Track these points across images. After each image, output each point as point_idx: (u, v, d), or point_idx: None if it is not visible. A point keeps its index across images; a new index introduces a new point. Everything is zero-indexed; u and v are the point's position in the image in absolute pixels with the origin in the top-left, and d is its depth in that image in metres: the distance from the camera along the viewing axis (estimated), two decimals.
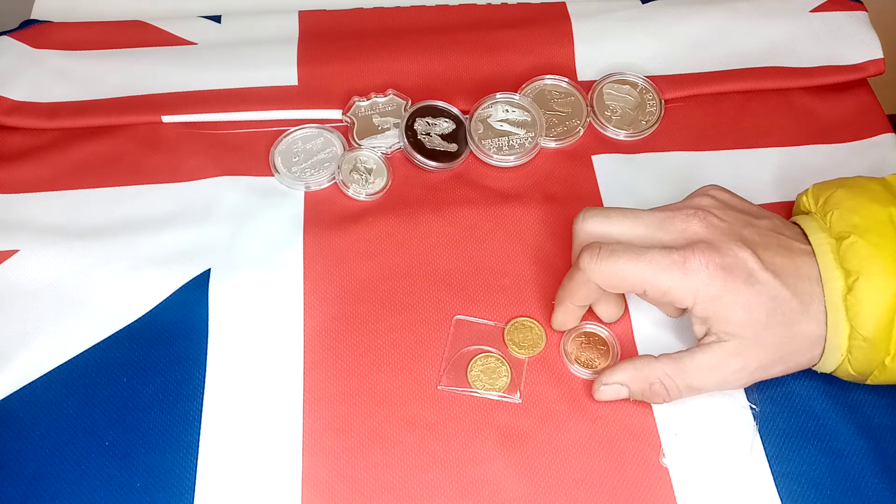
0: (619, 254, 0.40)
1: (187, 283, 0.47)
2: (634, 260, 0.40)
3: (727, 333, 0.40)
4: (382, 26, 0.58)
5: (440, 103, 0.54)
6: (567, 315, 0.45)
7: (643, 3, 0.59)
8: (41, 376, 0.44)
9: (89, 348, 0.45)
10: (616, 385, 0.42)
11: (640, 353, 0.45)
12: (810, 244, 0.42)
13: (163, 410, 0.43)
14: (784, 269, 0.40)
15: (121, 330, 0.46)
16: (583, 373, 0.44)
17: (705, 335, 0.41)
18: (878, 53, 0.56)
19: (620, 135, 0.54)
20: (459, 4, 0.59)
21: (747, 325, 0.40)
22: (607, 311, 0.45)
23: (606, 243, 0.41)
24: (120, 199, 0.51)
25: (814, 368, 0.42)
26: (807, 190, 0.45)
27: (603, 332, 0.45)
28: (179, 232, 0.49)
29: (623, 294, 0.46)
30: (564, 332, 0.45)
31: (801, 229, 0.43)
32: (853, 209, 0.41)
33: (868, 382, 0.42)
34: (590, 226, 0.42)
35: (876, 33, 0.57)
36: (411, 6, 0.59)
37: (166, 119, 0.53)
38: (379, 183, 0.51)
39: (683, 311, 0.43)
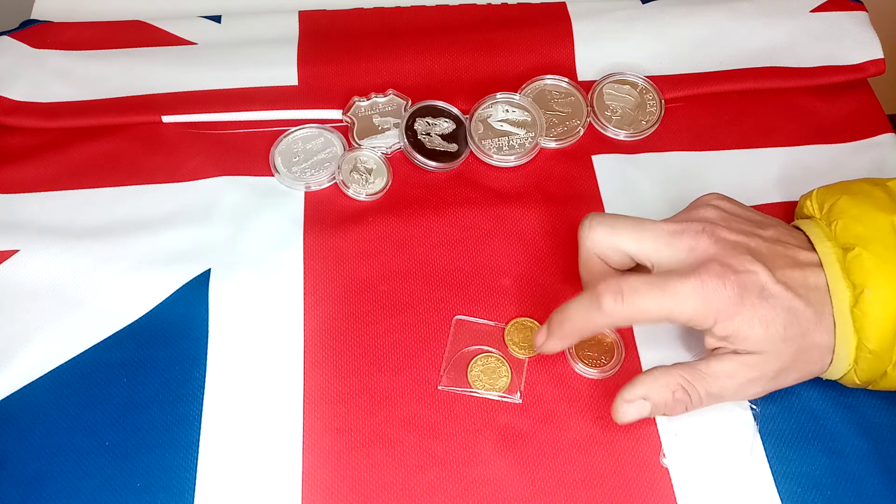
0: (642, 293, 0.39)
1: (187, 283, 0.47)
2: (659, 297, 0.39)
3: (746, 351, 0.40)
4: (382, 26, 0.58)
5: (440, 103, 0.54)
6: (564, 345, 0.43)
7: (643, 3, 0.59)
8: (41, 376, 0.44)
9: (89, 348, 0.45)
10: (639, 401, 0.41)
11: (640, 354, 0.45)
12: (816, 252, 0.41)
13: (163, 410, 0.43)
14: (794, 281, 0.40)
15: (121, 330, 0.46)
16: (588, 372, 0.44)
17: (717, 348, 0.41)
18: (878, 53, 0.56)
19: (620, 135, 0.54)
20: (459, 4, 0.59)
21: (766, 340, 0.39)
22: None
23: (627, 283, 0.40)
24: (120, 199, 0.51)
25: (820, 376, 0.42)
26: (810, 194, 0.44)
27: (608, 332, 0.45)
28: (179, 232, 0.49)
29: None
30: None
31: (805, 235, 0.43)
32: (857, 218, 0.41)
33: (870, 388, 0.42)
34: (597, 234, 0.42)
35: (876, 33, 0.57)
36: (411, 6, 0.59)
37: (166, 119, 0.53)
38: (379, 183, 0.51)
39: None
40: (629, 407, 0.41)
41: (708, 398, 0.41)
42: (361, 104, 0.54)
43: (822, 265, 0.41)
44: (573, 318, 0.41)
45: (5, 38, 0.56)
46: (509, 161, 0.52)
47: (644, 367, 0.44)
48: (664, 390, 0.40)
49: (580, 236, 0.43)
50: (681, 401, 0.40)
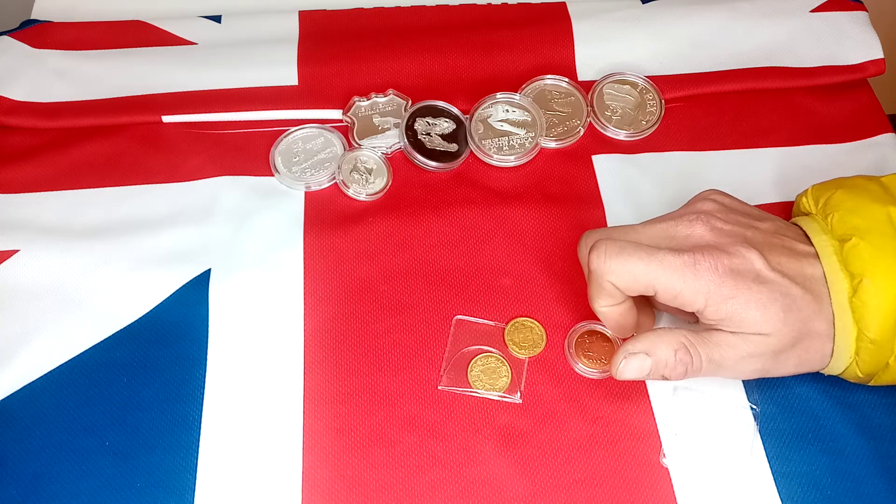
0: (629, 252, 0.40)
1: (187, 283, 0.47)
2: (646, 260, 0.40)
3: (745, 332, 0.40)
4: (382, 26, 0.58)
5: (440, 103, 0.54)
6: (615, 318, 0.42)
7: (643, 3, 0.59)
8: (41, 376, 0.44)
9: (89, 348, 0.45)
10: (641, 355, 0.40)
11: None
12: (812, 246, 0.42)
13: (163, 410, 0.43)
14: (790, 269, 0.40)
15: (121, 330, 0.46)
16: (588, 371, 0.44)
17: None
18: (878, 53, 0.56)
19: (620, 135, 0.54)
20: (459, 4, 0.59)
21: (763, 321, 0.39)
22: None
23: (614, 240, 0.40)
24: (120, 199, 0.51)
25: (822, 371, 0.42)
26: (806, 191, 0.45)
27: (608, 331, 0.45)
28: (179, 232, 0.49)
29: (651, 309, 0.45)
30: (570, 330, 0.46)
31: (803, 230, 0.43)
32: (853, 210, 0.41)
33: (872, 384, 0.42)
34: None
35: (876, 33, 0.57)
36: (411, 6, 0.59)
37: (166, 119, 0.53)
38: (379, 183, 0.51)
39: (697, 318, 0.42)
40: (630, 360, 0.40)
41: (708, 364, 0.40)
42: (361, 104, 0.54)
43: (818, 257, 0.41)
44: (581, 257, 0.43)
45: (5, 38, 0.56)
46: (509, 161, 0.52)
47: None
48: (667, 347, 0.40)
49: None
50: (682, 361, 0.40)
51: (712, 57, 0.56)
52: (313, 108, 0.54)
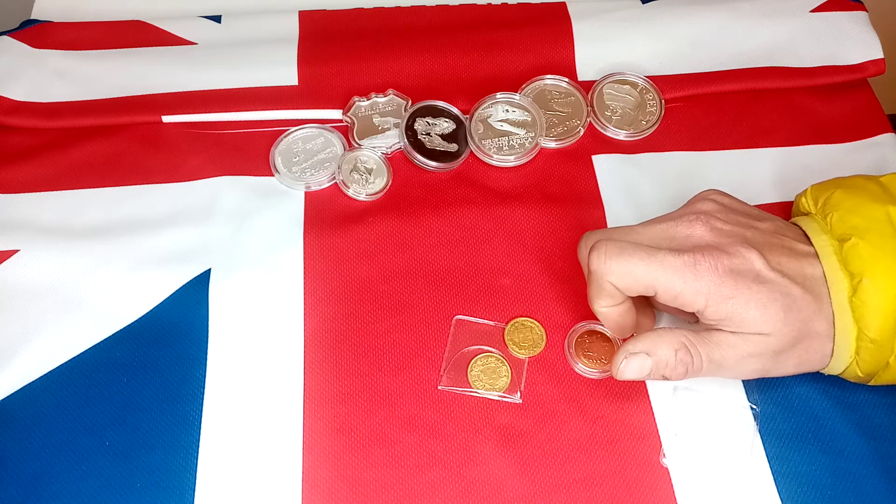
0: (629, 252, 0.40)
1: (187, 283, 0.47)
2: (646, 260, 0.40)
3: (746, 332, 0.40)
4: (382, 26, 0.58)
5: (440, 103, 0.54)
6: (614, 319, 0.42)
7: (643, 3, 0.59)
8: (41, 376, 0.44)
9: (89, 348, 0.45)
10: (641, 355, 0.40)
11: None
12: (812, 245, 0.42)
13: (163, 410, 0.43)
14: (790, 269, 0.40)
15: (121, 330, 0.46)
16: (588, 371, 0.44)
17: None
18: (878, 53, 0.56)
19: (620, 135, 0.54)
20: (459, 4, 0.59)
21: (763, 321, 0.39)
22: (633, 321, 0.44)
23: (614, 241, 0.41)
24: (120, 199, 0.51)
25: (822, 371, 0.42)
26: (805, 191, 0.45)
27: (608, 331, 0.45)
28: (179, 232, 0.49)
29: (651, 309, 0.46)
30: (569, 331, 0.46)
31: (803, 230, 0.43)
32: (852, 209, 0.41)
33: (872, 383, 0.42)
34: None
35: (876, 33, 0.57)
36: (411, 6, 0.59)
37: (166, 119, 0.53)
38: (379, 183, 0.51)
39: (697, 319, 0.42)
40: (631, 360, 0.40)
41: (709, 364, 0.40)
42: (361, 104, 0.54)
43: (818, 257, 0.41)
44: (581, 258, 0.43)
45: (5, 38, 0.56)
46: (509, 161, 0.52)
47: None
48: (667, 347, 0.40)
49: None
50: (682, 361, 0.40)
51: (712, 57, 0.56)
52: (313, 108, 0.54)
